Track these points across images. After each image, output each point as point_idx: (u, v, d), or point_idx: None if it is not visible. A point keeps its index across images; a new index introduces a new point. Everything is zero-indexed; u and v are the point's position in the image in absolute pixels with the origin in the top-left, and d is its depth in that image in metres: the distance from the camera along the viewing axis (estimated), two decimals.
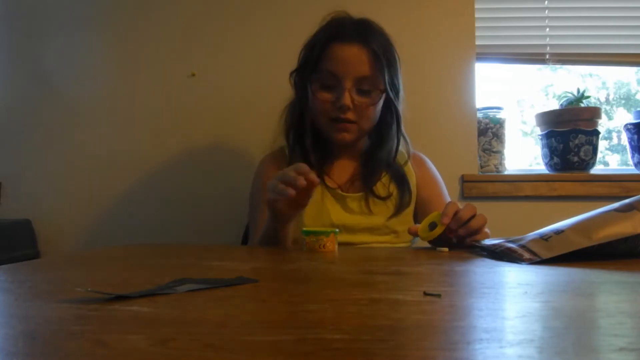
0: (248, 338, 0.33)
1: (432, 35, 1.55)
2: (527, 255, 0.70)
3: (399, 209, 1.08)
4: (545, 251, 0.70)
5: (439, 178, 1.20)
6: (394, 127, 1.11)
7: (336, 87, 1.04)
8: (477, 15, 1.57)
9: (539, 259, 0.69)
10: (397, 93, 1.10)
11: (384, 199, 1.08)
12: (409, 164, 1.16)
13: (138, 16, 1.58)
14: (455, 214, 0.87)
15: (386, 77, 1.05)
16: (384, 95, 1.07)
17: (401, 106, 1.12)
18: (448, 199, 1.18)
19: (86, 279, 0.61)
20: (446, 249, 0.87)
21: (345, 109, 1.03)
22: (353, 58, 1.03)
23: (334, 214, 1.08)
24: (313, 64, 1.06)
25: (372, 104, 1.05)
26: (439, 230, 0.87)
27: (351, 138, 1.09)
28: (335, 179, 1.12)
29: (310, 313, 0.40)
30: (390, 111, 1.11)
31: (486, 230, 0.92)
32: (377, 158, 1.11)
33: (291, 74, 1.12)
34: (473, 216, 0.88)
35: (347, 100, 1.02)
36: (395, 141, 1.12)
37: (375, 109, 1.07)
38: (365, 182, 1.10)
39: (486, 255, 0.79)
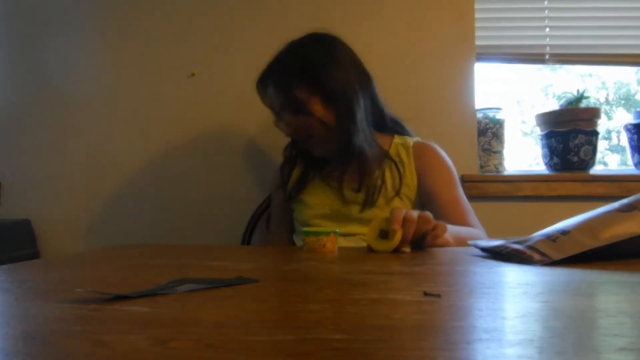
0: (248, 338, 0.33)
1: (432, 35, 1.55)
2: (537, 256, 0.69)
3: (369, 202, 1.11)
4: (555, 252, 0.69)
5: (447, 167, 1.16)
6: (343, 122, 1.09)
7: (278, 115, 1.15)
8: (477, 15, 1.57)
9: (550, 260, 0.68)
10: (331, 93, 1.08)
11: (357, 191, 1.13)
12: (411, 154, 1.16)
13: (137, 16, 1.58)
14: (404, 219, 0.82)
15: (310, 91, 1.08)
16: (316, 105, 1.08)
17: (359, 97, 1.10)
18: (457, 189, 1.14)
19: (86, 279, 0.61)
20: (408, 249, 0.84)
21: (290, 136, 1.16)
22: (270, 94, 1.13)
23: (331, 202, 1.16)
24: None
25: (306, 122, 1.10)
26: (396, 241, 0.81)
27: (326, 149, 1.14)
28: (330, 170, 1.18)
29: (310, 313, 0.40)
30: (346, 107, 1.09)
31: (447, 236, 0.90)
32: (342, 152, 1.12)
33: None
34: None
35: (282, 129, 1.14)
36: (348, 134, 1.08)
37: (318, 120, 1.09)
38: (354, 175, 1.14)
39: (490, 256, 0.78)
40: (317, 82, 1.09)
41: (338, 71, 1.10)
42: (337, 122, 1.09)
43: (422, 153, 1.17)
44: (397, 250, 0.83)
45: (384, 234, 0.83)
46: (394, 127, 1.23)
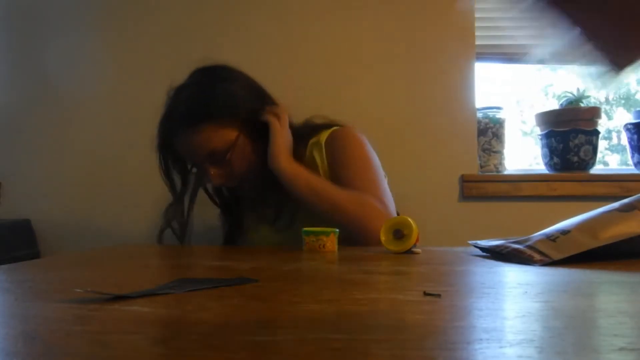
0: (248, 338, 0.33)
1: (432, 35, 1.55)
2: (537, 256, 0.69)
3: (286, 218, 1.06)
4: (555, 252, 0.69)
5: (354, 153, 1.07)
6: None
7: (199, 168, 1.08)
8: (477, 15, 1.57)
9: (550, 260, 0.68)
10: (252, 124, 1.05)
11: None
12: (323, 148, 1.08)
13: (138, 16, 1.58)
14: None
15: (231, 130, 1.03)
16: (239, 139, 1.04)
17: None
18: (360, 166, 1.06)
19: (86, 279, 0.61)
20: (419, 250, 0.84)
21: (221, 185, 1.07)
22: (194, 145, 1.04)
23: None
24: (172, 158, 1.11)
25: (238, 161, 1.04)
26: (410, 242, 0.82)
27: (252, 185, 1.08)
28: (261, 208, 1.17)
29: (310, 313, 0.40)
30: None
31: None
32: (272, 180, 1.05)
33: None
34: None
35: (215, 180, 1.05)
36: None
37: (242, 157, 1.05)
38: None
39: (490, 256, 0.78)
40: (235, 116, 1.04)
41: (251, 100, 1.06)
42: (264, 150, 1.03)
43: (331, 143, 1.08)
44: (409, 251, 0.84)
45: (399, 235, 0.84)
46: (308, 132, 1.14)
